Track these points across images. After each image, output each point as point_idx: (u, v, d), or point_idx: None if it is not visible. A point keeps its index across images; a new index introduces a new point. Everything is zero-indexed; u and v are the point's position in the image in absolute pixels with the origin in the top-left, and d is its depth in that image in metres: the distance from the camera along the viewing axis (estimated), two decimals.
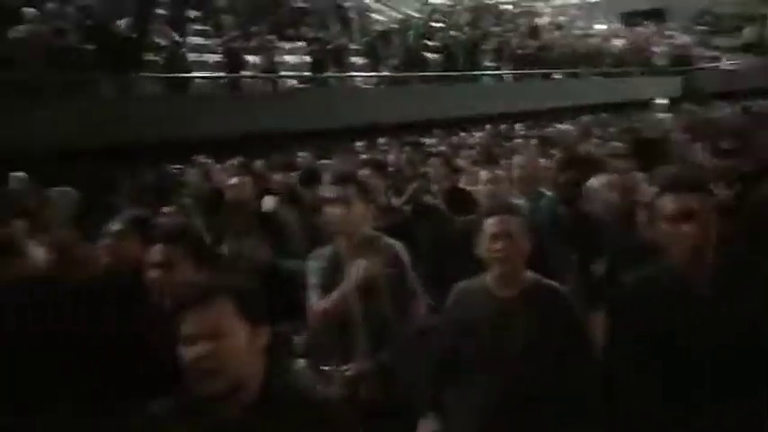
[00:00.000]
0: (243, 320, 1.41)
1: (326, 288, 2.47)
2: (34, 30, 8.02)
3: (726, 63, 19.05)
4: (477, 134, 8.94)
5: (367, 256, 2.43)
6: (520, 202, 3.88)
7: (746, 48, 18.72)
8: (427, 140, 8.32)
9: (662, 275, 1.92)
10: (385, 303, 2.46)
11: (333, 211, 2.50)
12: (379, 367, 2.44)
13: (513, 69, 15.30)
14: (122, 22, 9.22)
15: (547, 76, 16.34)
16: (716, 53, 19.48)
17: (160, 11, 10.33)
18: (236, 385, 1.39)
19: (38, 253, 2.58)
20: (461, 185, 4.46)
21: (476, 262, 2.23)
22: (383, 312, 2.46)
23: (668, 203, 1.85)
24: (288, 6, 13.20)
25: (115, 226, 2.37)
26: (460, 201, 4.04)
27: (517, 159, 4.19)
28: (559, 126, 9.21)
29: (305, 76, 11.49)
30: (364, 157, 5.82)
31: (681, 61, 19.27)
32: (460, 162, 5.26)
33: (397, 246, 2.56)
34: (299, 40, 12.22)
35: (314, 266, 2.54)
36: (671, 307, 1.86)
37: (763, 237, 2.85)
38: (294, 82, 11.55)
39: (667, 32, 21.04)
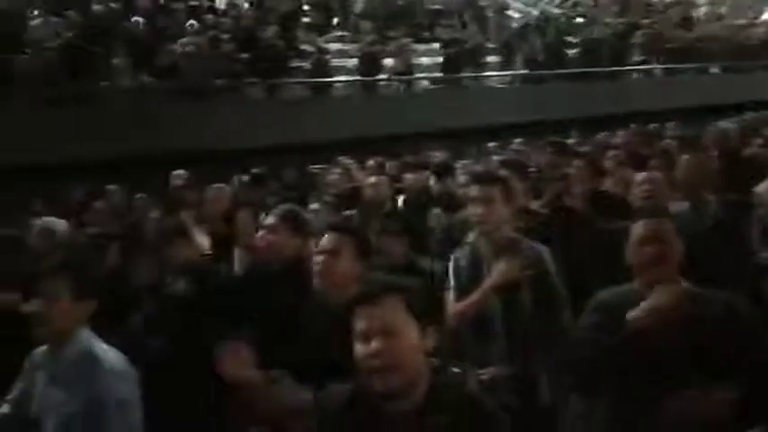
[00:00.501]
0: (413, 321, 1.43)
1: (465, 289, 2.43)
2: (195, 41, 8.85)
3: None
4: (621, 133, 8.35)
5: (508, 258, 2.36)
6: (682, 207, 3.57)
7: None
8: (569, 140, 7.94)
9: None
10: (527, 308, 2.37)
11: (475, 211, 2.46)
12: (518, 374, 2.36)
13: (664, 64, 14.17)
14: (270, 31, 9.87)
15: (703, 71, 14.93)
16: None
17: (305, 19, 10.93)
18: (408, 383, 1.41)
19: (203, 240, 2.84)
20: (606, 188, 4.20)
21: (620, 269, 2.08)
22: (525, 317, 2.37)
23: None
24: (423, 9, 13.31)
25: (269, 220, 2.52)
26: (605, 204, 3.81)
27: (682, 160, 3.84)
28: (719, 125, 8.34)
29: (439, 77, 11.53)
30: (502, 157, 5.68)
31: None
32: (607, 163, 4.93)
33: (542, 249, 2.47)
34: (434, 42, 12.28)
35: (453, 267, 2.51)
36: None
37: None
38: (428, 83, 11.64)
39: None
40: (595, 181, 4.32)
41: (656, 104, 12.11)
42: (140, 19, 8.98)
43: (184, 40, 8.87)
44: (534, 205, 4.20)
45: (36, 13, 8.86)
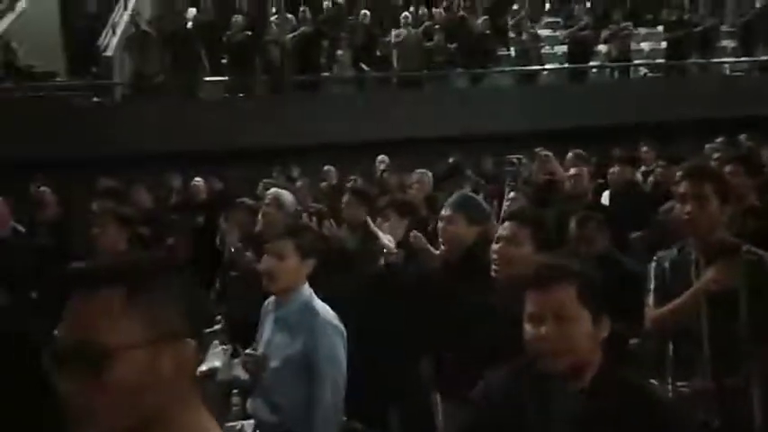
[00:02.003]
0: (585, 308, 1.42)
1: (668, 294, 2.25)
2: (407, 33, 9.30)
3: None
4: None
5: (723, 264, 2.12)
6: None
7: None
8: None
9: None
10: (741, 321, 2.11)
11: (683, 209, 2.25)
12: (723, 389, 2.13)
13: None
14: (480, 20, 9.94)
15: None
16: None
17: (516, 6, 10.76)
18: (575, 368, 1.42)
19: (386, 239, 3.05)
20: None
21: None
22: (737, 331, 2.12)
23: None
24: None
25: (445, 211, 2.56)
26: None
27: None
28: None
29: (661, 63, 10.53)
30: (728, 152, 5.06)
31: None
32: None
33: (764, 256, 2.17)
34: (657, 25, 11.22)
35: (655, 268, 2.33)
36: None
37: None
38: (647, 71, 10.71)
39: None
40: None
41: None
42: (363, 12, 9.69)
43: (397, 31, 9.36)
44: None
45: (274, 10, 10.07)
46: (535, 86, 10.13)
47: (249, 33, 9.02)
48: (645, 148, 6.64)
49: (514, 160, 5.98)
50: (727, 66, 11.19)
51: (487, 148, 7.71)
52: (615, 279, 2.48)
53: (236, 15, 9.24)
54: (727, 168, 3.02)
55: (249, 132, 8.31)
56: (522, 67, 9.93)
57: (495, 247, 2.23)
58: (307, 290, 2.29)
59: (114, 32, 9.13)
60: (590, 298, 1.43)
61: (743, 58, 11.10)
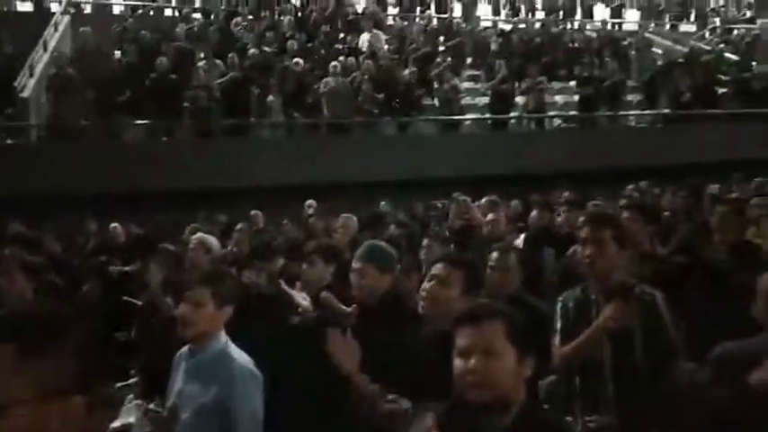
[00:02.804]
0: (512, 345, 1.51)
1: (571, 332, 2.39)
2: (337, 81, 9.54)
3: None
4: None
5: (618, 303, 2.29)
6: None
7: None
8: (711, 185, 7.37)
9: None
10: (638, 356, 2.27)
11: (585, 252, 2.42)
12: (625, 424, 2.26)
13: None
14: (406, 72, 10.34)
15: None
16: None
17: (439, 59, 11.29)
18: (500, 402, 1.49)
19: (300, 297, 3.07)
20: (750, 238, 3.88)
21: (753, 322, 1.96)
22: (636, 366, 2.28)
23: None
24: (562, 47, 13.14)
25: (355, 263, 2.59)
26: (747, 256, 3.52)
27: None
28: None
29: (573, 116, 11.27)
30: (626, 199, 5.45)
31: None
32: (752, 212, 4.55)
33: (656, 296, 2.36)
34: (570, 80, 12.05)
35: (560, 308, 2.48)
36: None
37: None
38: (561, 122, 11.42)
39: None
40: (739, 230, 4.02)
41: None
42: (294, 60, 9.86)
43: (327, 80, 9.58)
44: (662, 251, 4.00)
45: (202, 55, 10.08)
46: (458, 135, 10.57)
47: (174, 77, 8.98)
48: (566, 194, 7.03)
49: (439, 205, 6.20)
50: (632, 118, 12.10)
51: (413, 193, 7.94)
52: (526, 320, 2.62)
53: (160, 58, 9.18)
54: (626, 215, 3.26)
55: (174, 176, 8.18)
56: (446, 116, 10.35)
57: (425, 285, 2.29)
58: (223, 337, 2.28)
59: (32, 73, 8.87)
60: (516, 337, 1.52)
61: (647, 111, 12.06)
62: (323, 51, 10.68)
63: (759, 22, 17.91)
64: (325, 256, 3.31)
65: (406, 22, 13.37)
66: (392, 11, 14.21)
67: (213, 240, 4.16)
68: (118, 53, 9.91)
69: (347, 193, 7.80)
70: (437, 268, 2.30)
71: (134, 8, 12.08)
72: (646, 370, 2.29)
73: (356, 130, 9.98)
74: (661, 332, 2.32)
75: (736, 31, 16.89)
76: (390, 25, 13.16)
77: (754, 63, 13.32)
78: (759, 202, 4.81)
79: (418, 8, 14.10)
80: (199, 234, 4.33)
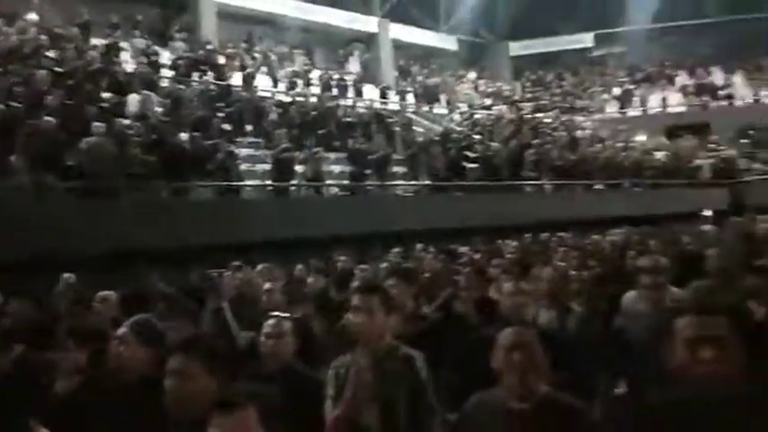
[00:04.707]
0: (268, 427, 1.54)
1: (341, 398, 2.49)
2: (100, 142, 8.78)
3: None
4: (513, 243, 8.95)
5: (384, 367, 2.46)
6: (548, 315, 3.87)
7: None
8: (463, 248, 8.40)
9: (686, 400, 1.86)
10: (401, 416, 2.45)
11: (355, 320, 2.58)
12: None
13: (553, 180, 15.55)
14: (184, 136, 10.04)
15: (588, 188, 16.48)
16: (761, 166, 19.34)
17: (218, 125, 11.22)
18: None
19: None
20: (491, 295, 4.48)
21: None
22: (399, 425, 2.45)
23: (685, 327, 1.84)
24: (336, 120, 14.07)
25: (120, 330, 2.46)
26: (488, 311, 4.05)
27: (546, 272, 4.21)
28: (596, 237, 9.17)
29: (346, 184, 12.01)
30: (392, 265, 5.96)
31: (726, 174, 19.17)
32: (492, 271, 5.30)
33: (417, 357, 2.59)
34: (344, 151, 12.89)
35: (332, 376, 2.57)
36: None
37: None
38: (337, 190, 12.08)
39: (710, 145, 21.13)
40: (482, 288, 4.64)
41: (548, 216, 13.14)
42: (49, 119, 8.84)
43: (90, 140, 8.79)
44: (427, 310, 4.42)
45: None
46: (239, 201, 10.49)
47: None
48: (342, 258, 7.38)
49: (214, 275, 6.02)
50: (400, 188, 13.33)
51: (188, 261, 7.60)
52: (297, 390, 2.66)
53: None
54: (389, 282, 3.56)
55: None
56: (226, 183, 10.21)
57: (166, 380, 2.10)
58: None
59: None
60: (269, 418, 1.55)
61: (411, 183, 13.42)
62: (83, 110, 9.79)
63: (495, 109, 21.42)
64: (80, 342, 2.95)
65: (182, 86, 13.12)
66: (167, 73, 13.83)
67: None
68: None
69: (109, 264, 7.14)
70: (174, 360, 2.11)
71: None
72: (409, 427, 2.47)
73: (124, 195, 9.19)
74: (422, 392, 2.49)
75: (478, 115, 19.99)
76: (164, 87, 12.78)
77: (493, 143, 15.81)
78: (498, 263, 5.63)
79: (195, 73, 13.94)
80: None
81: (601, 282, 5.08)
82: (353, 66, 20.23)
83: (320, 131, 13.14)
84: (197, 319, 4.19)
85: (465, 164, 13.93)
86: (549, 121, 20.65)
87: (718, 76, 23.78)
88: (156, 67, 13.59)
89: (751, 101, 22.59)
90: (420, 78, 22.02)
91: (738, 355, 1.80)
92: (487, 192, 13.76)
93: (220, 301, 4.50)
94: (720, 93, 23.02)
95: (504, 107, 21.73)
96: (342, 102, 16.07)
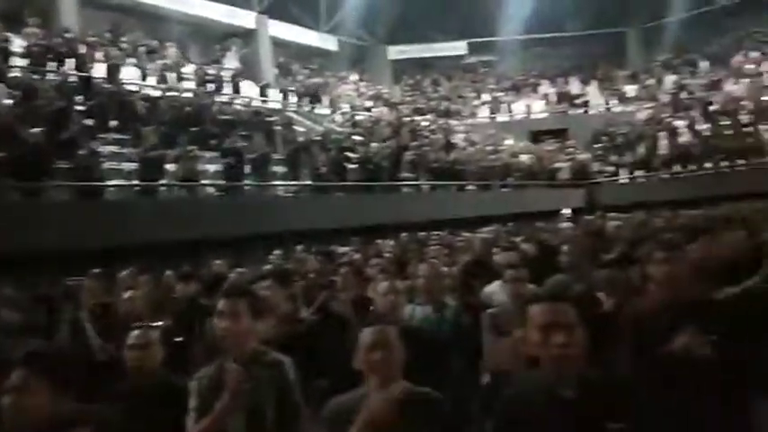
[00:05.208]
0: None
1: (207, 408, 2.37)
2: None
3: (624, 177, 20.85)
4: (391, 242, 9.12)
5: (251, 373, 2.38)
6: (423, 311, 3.97)
7: (640, 165, 20.63)
8: (342, 249, 8.42)
9: (533, 385, 2.00)
10: (268, 421, 2.38)
11: (222, 325, 2.46)
12: None
13: (430, 181, 16.09)
14: (36, 131, 9.11)
15: (462, 188, 17.25)
16: (612, 168, 21.36)
17: (78, 120, 10.33)
18: None
19: None
20: (369, 294, 4.51)
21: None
22: (267, 430, 2.38)
23: (538, 314, 1.98)
24: (212, 117, 13.52)
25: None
26: (365, 310, 4.08)
27: (421, 269, 4.31)
28: (468, 235, 9.61)
29: (222, 184, 11.57)
30: (267, 267, 5.83)
31: (582, 175, 20.95)
32: (370, 271, 5.34)
33: (285, 361, 2.53)
34: (220, 151, 12.41)
35: (195, 387, 2.44)
36: (541, 415, 1.92)
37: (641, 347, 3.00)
38: (212, 190, 11.61)
39: (568, 149, 22.98)
40: (360, 288, 4.66)
41: (425, 215, 13.58)
42: None
43: None
44: (305, 312, 4.35)
45: None
46: (102, 203, 9.72)
47: None
48: (218, 262, 7.05)
49: (69, 283, 5.53)
50: (281, 188, 13.09)
51: (41, 268, 6.92)
52: (167, 402, 2.51)
53: None
54: (264, 284, 3.47)
55: None
56: (85, 183, 9.40)
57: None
58: None
59: None
60: None
61: (292, 182, 13.23)
62: None
63: (375, 111, 21.77)
64: None
65: (36, 76, 11.93)
66: (19, 62, 12.50)
67: None
68: None
69: None
70: (14, 376, 1.95)
71: None
72: None
73: None
74: (288, 395, 2.44)
75: (359, 116, 20.21)
76: (16, 76, 11.56)
77: (373, 144, 16.05)
78: (377, 262, 5.69)
79: (52, 63, 12.75)
80: None
81: (471, 276, 5.34)
82: (231, 62, 19.60)
83: (194, 128, 12.54)
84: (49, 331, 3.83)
85: (346, 164, 13.99)
86: (427, 124, 21.37)
87: (575, 86, 25.95)
88: (6, 54, 12.25)
89: (603, 109, 24.91)
90: (301, 78, 21.83)
91: (584, 340, 1.95)
92: (367, 192, 13.93)
93: (78, 311, 4.16)
94: (577, 101, 25.13)
95: (384, 109, 22.15)
96: (218, 98, 15.48)
